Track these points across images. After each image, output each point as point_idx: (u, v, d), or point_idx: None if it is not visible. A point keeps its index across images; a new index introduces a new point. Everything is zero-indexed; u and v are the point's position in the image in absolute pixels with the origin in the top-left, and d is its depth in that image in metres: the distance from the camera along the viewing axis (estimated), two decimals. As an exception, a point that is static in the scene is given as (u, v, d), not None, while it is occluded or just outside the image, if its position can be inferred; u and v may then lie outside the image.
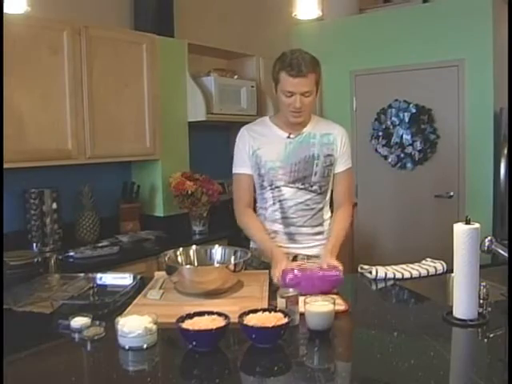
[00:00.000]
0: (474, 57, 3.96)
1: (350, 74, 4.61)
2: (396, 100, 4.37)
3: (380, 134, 4.47)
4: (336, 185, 2.21)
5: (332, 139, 2.17)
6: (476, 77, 3.96)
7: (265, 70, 4.06)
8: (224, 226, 2.29)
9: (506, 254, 1.78)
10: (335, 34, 4.62)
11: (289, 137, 2.15)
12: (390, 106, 4.41)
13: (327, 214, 2.23)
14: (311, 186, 2.14)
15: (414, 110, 4.28)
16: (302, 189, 2.14)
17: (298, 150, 2.13)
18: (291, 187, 2.14)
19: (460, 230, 1.50)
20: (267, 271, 2.01)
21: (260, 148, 2.14)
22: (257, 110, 3.88)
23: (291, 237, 2.18)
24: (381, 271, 2.00)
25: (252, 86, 3.87)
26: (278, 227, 2.18)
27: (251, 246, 2.28)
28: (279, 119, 2.19)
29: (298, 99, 2.01)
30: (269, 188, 2.16)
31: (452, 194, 4.19)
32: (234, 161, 2.22)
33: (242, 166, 2.19)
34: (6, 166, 2.36)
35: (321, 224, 2.21)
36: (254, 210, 2.26)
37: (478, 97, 3.97)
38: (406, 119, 4.32)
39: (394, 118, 4.39)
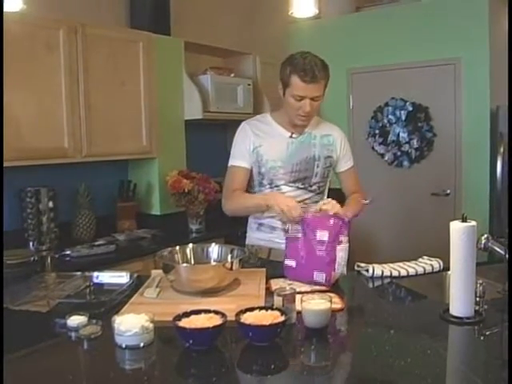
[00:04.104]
0: (471, 55, 3.96)
1: (346, 72, 4.61)
2: (393, 98, 4.37)
3: (377, 132, 4.48)
4: (343, 181, 2.28)
5: (332, 140, 2.20)
6: (472, 75, 3.97)
7: (261, 68, 4.06)
8: (221, 224, 2.29)
9: (502, 252, 1.78)
10: (332, 32, 4.62)
11: (291, 136, 2.15)
12: (386, 104, 4.41)
13: None
14: (310, 186, 2.16)
15: (410, 108, 4.29)
16: (301, 188, 2.15)
17: (300, 150, 2.14)
18: (291, 186, 2.15)
19: (456, 227, 1.50)
20: (264, 269, 2.01)
21: (261, 145, 2.14)
22: (253, 108, 3.87)
23: None
24: (377, 269, 2.00)
25: (249, 85, 3.87)
26: (277, 223, 2.17)
27: (247, 243, 2.28)
28: (282, 118, 2.17)
29: (308, 103, 2.01)
30: (268, 186, 2.16)
31: (449, 191, 4.20)
32: (232, 153, 2.19)
33: (240, 159, 2.16)
34: (2, 164, 2.36)
35: None
36: None
37: (475, 95, 3.98)
38: (403, 117, 4.32)
39: (390, 116, 4.39)
